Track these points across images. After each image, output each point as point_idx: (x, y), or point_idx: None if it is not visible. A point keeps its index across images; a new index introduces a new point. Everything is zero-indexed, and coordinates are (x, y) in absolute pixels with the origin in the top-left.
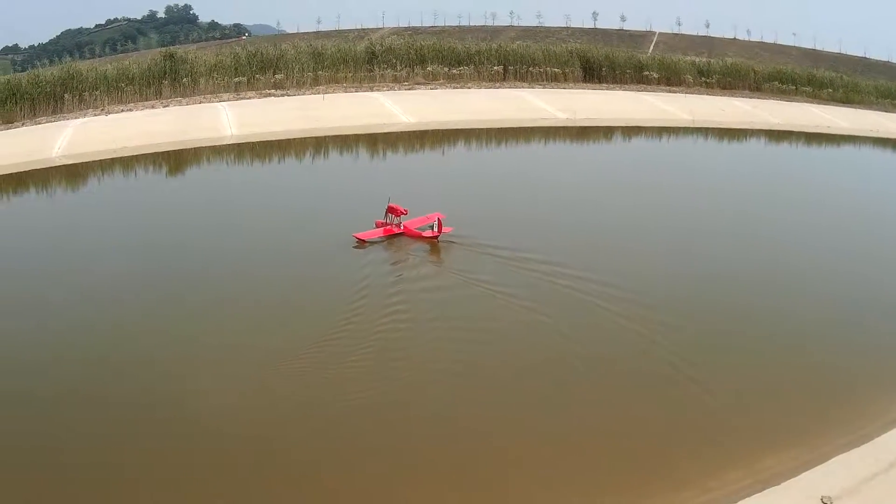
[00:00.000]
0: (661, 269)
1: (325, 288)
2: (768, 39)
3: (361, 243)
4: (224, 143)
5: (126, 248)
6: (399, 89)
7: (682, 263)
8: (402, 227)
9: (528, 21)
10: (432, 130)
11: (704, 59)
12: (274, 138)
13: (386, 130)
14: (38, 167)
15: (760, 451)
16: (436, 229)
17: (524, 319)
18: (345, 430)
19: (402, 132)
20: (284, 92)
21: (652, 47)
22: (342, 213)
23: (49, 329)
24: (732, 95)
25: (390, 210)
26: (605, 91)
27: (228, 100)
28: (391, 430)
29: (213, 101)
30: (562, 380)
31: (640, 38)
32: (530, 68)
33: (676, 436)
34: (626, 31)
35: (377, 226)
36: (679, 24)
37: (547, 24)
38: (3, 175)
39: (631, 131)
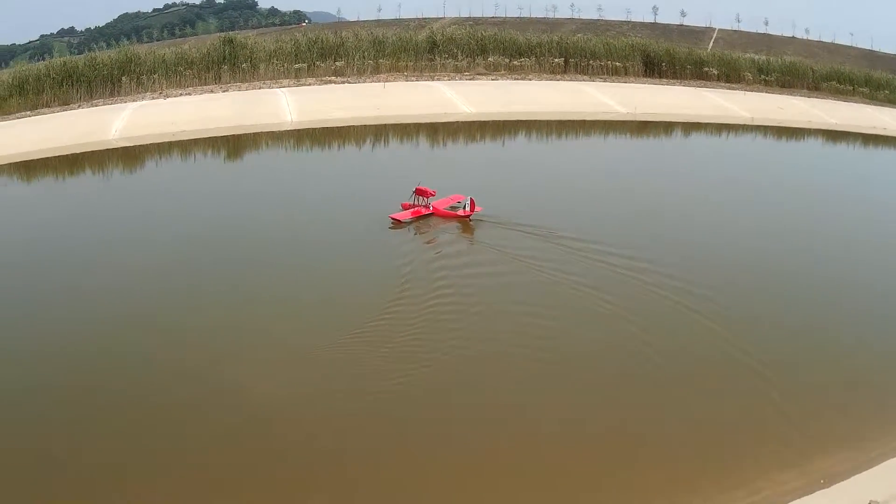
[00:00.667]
0: (732, 265)
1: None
2: (826, 39)
3: (397, 223)
4: (284, 128)
5: (180, 232)
6: (460, 79)
7: (755, 261)
8: (430, 208)
9: (589, 14)
10: (493, 121)
11: (763, 57)
12: (334, 125)
13: (446, 120)
14: (96, 149)
15: (812, 452)
16: (468, 209)
17: (591, 308)
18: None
19: (462, 122)
20: (345, 79)
21: (711, 43)
22: (400, 198)
23: (97, 318)
24: (791, 94)
25: (418, 192)
26: (665, 86)
27: (288, 86)
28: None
29: (272, 87)
30: (626, 372)
31: (699, 33)
32: (591, 61)
33: (731, 435)
34: (686, 26)
35: (403, 208)
36: (738, 21)
37: (607, 18)
38: (60, 156)
39: (690, 127)
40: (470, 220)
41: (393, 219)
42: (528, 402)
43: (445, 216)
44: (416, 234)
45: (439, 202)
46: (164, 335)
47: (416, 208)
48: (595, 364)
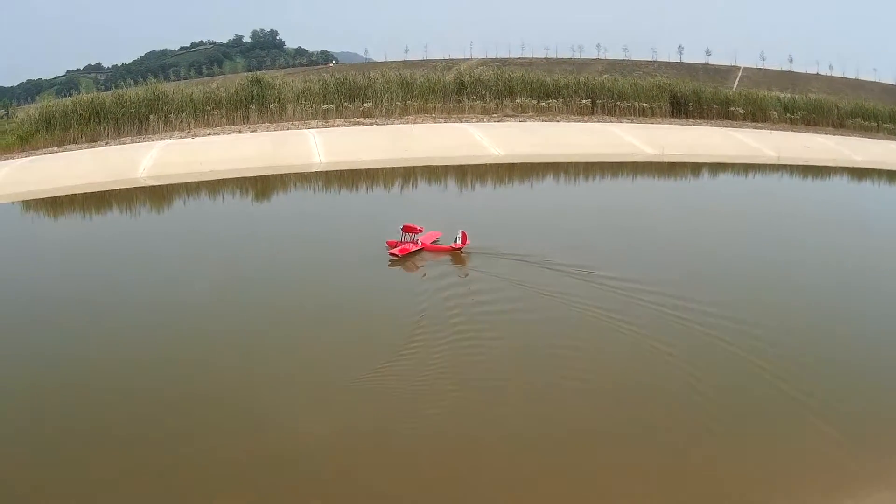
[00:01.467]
0: (774, 302)
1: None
2: (850, 75)
3: (396, 258)
4: (313, 170)
5: (209, 271)
6: (488, 121)
7: (802, 299)
8: (419, 244)
9: (615, 54)
10: (521, 163)
11: (788, 95)
12: (363, 167)
13: (476, 162)
14: (124, 186)
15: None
16: (458, 242)
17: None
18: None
19: (491, 164)
20: (373, 121)
21: (737, 82)
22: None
23: (130, 355)
24: (816, 132)
25: (406, 230)
26: (693, 126)
27: (317, 127)
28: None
29: (301, 128)
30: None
31: (725, 72)
32: (618, 102)
33: (773, 468)
34: (712, 65)
35: (389, 245)
36: (763, 59)
37: (633, 58)
38: (89, 193)
39: (718, 168)
40: (462, 252)
41: (392, 254)
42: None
43: (437, 250)
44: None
45: (424, 237)
46: (186, 374)
47: (403, 245)
48: (642, 402)
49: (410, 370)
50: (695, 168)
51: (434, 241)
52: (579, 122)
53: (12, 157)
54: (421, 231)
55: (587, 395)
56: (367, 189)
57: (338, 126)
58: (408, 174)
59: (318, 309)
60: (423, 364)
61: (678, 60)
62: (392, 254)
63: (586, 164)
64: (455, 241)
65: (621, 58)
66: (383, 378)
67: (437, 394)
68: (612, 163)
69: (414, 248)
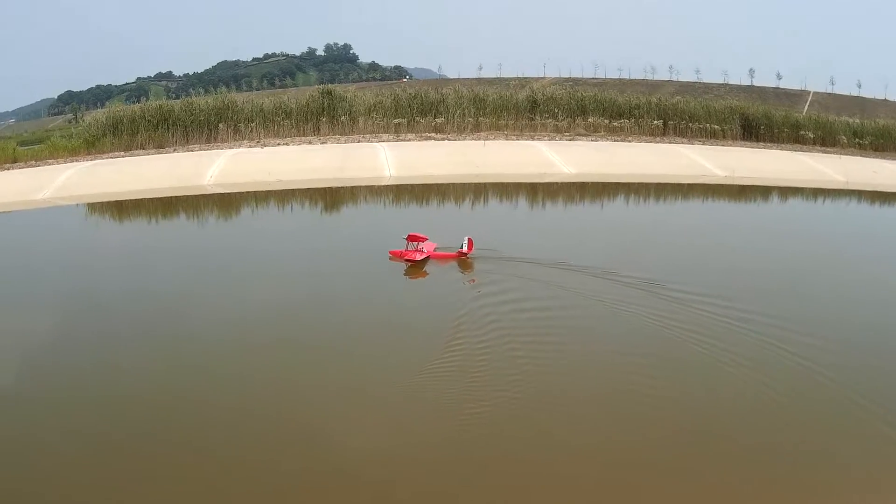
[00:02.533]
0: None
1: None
2: None
3: (412, 262)
4: (382, 183)
5: (270, 282)
6: (560, 139)
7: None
8: (424, 252)
9: (687, 76)
10: (592, 182)
11: (857, 120)
12: (433, 181)
13: (546, 180)
14: (190, 193)
15: None
16: (465, 248)
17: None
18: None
19: (562, 183)
20: (444, 136)
21: (807, 106)
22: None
23: (176, 362)
24: (884, 157)
25: (411, 238)
26: (763, 149)
27: (387, 140)
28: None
29: (371, 141)
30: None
31: (795, 96)
32: (690, 124)
33: None
34: (782, 89)
35: (392, 254)
36: (833, 84)
37: (705, 80)
38: (155, 199)
39: (787, 192)
40: (468, 258)
41: (407, 259)
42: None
43: (444, 257)
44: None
45: (425, 246)
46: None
47: (408, 252)
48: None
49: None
50: (764, 191)
51: (461, 245)
52: (650, 142)
53: (78, 160)
54: (426, 240)
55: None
56: (436, 204)
57: (409, 140)
58: (478, 190)
59: (388, 318)
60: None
61: (749, 84)
62: (408, 259)
63: (656, 184)
64: (462, 247)
65: (693, 80)
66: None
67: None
68: (683, 184)
69: (420, 256)
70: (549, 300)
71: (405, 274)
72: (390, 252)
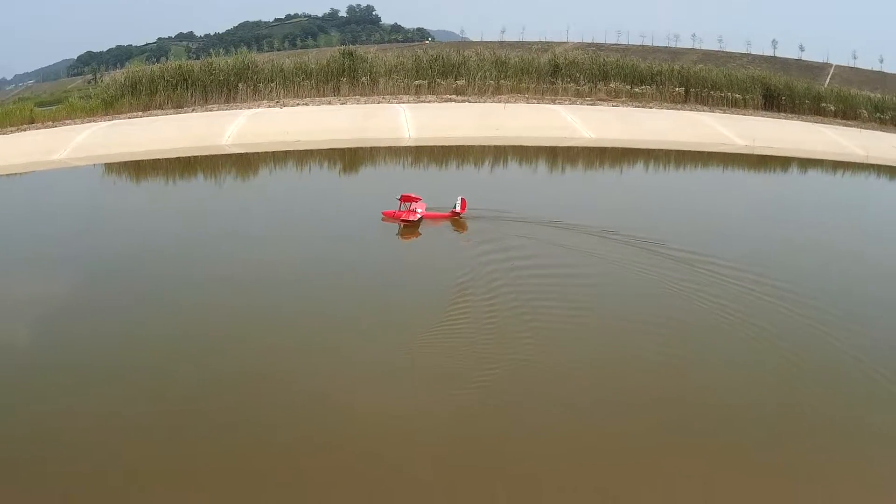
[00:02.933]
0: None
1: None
2: None
3: (408, 223)
4: (402, 144)
5: (286, 244)
6: (581, 104)
7: None
8: (418, 213)
9: (710, 45)
10: (612, 147)
11: (879, 95)
12: (452, 143)
13: (566, 144)
14: (208, 153)
15: None
16: (458, 208)
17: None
18: None
19: (582, 147)
20: (465, 98)
21: (828, 80)
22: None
23: (191, 328)
24: None
25: (404, 199)
26: (783, 120)
27: (408, 102)
28: None
29: (391, 102)
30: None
31: (817, 69)
32: (711, 92)
33: None
34: (804, 61)
35: (384, 215)
36: (855, 58)
37: (728, 49)
38: (172, 158)
39: (807, 163)
40: (461, 218)
41: (404, 221)
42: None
43: (437, 217)
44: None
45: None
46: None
47: (402, 213)
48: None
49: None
50: (784, 162)
51: (455, 205)
52: (672, 109)
53: (95, 121)
54: (419, 200)
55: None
56: (455, 166)
57: (429, 102)
58: (498, 153)
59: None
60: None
61: (772, 54)
62: (404, 220)
63: (676, 151)
64: (455, 207)
65: (716, 49)
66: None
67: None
68: (701, 152)
69: (415, 217)
70: (554, 257)
71: (399, 234)
72: (383, 213)
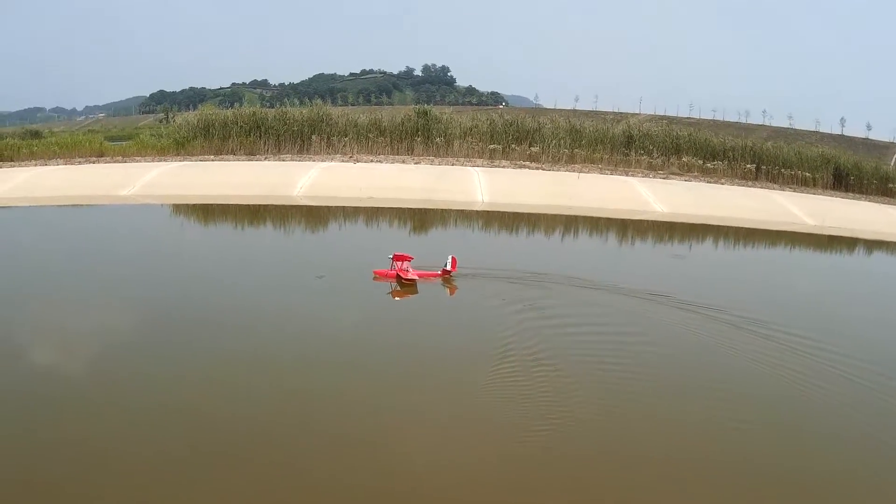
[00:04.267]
0: None
1: None
2: None
3: (402, 280)
4: (474, 208)
5: (346, 300)
6: (654, 177)
7: None
8: (410, 271)
9: (780, 122)
10: (681, 223)
11: None
12: (525, 210)
13: (638, 217)
14: (279, 203)
15: None
16: (448, 267)
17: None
18: None
19: (653, 221)
20: (539, 165)
21: (894, 159)
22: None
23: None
24: None
25: (397, 258)
26: (852, 200)
27: (482, 165)
28: None
29: (465, 165)
30: None
31: (883, 148)
32: (782, 170)
33: None
34: (871, 140)
35: (376, 275)
36: None
37: (797, 127)
38: (242, 205)
39: (880, 245)
40: (451, 277)
41: (406, 279)
42: None
43: (427, 276)
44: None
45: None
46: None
47: (393, 271)
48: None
49: None
50: (851, 243)
51: (445, 264)
52: (743, 186)
53: (166, 160)
54: (412, 259)
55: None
56: (527, 233)
57: (503, 167)
58: (569, 222)
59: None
60: None
61: (840, 133)
62: (404, 278)
63: (747, 229)
64: (446, 265)
65: (785, 126)
66: None
67: None
68: (773, 231)
69: (406, 276)
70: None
71: (390, 294)
72: (375, 272)
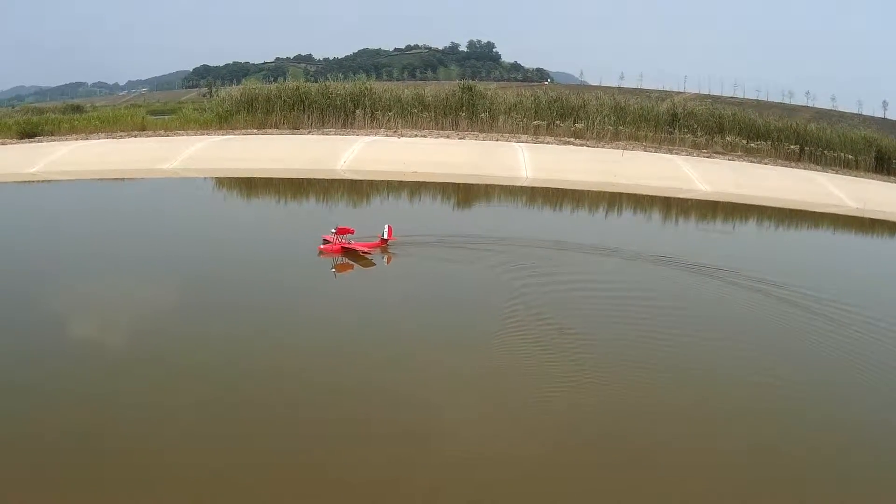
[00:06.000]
0: None
1: None
2: None
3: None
4: (518, 184)
5: (386, 279)
6: (697, 155)
7: None
8: (350, 243)
9: (823, 103)
10: (724, 202)
11: None
12: (569, 187)
13: (681, 196)
14: (322, 176)
15: None
16: (385, 236)
17: None
18: None
19: (696, 199)
20: (583, 142)
21: None
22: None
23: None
24: None
25: (340, 231)
26: (894, 184)
27: (526, 141)
28: None
29: (510, 141)
30: None
31: None
32: (825, 151)
33: None
34: None
35: (321, 251)
36: None
37: (840, 109)
38: (285, 179)
39: None
40: (387, 246)
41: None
42: None
43: (368, 246)
44: None
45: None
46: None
47: (336, 244)
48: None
49: None
50: (893, 227)
51: (382, 233)
52: (785, 167)
53: (209, 134)
54: (353, 232)
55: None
56: (570, 210)
57: (547, 143)
58: (613, 199)
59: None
60: None
61: (882, 116)
62: (347, 249)
63: (789, 210)
64: (382, 234)
65: (828, 107)
66: None
67: None
68: (812, 212)
69: (346, 246)
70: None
71: (333, 270)
72: (320, 248)
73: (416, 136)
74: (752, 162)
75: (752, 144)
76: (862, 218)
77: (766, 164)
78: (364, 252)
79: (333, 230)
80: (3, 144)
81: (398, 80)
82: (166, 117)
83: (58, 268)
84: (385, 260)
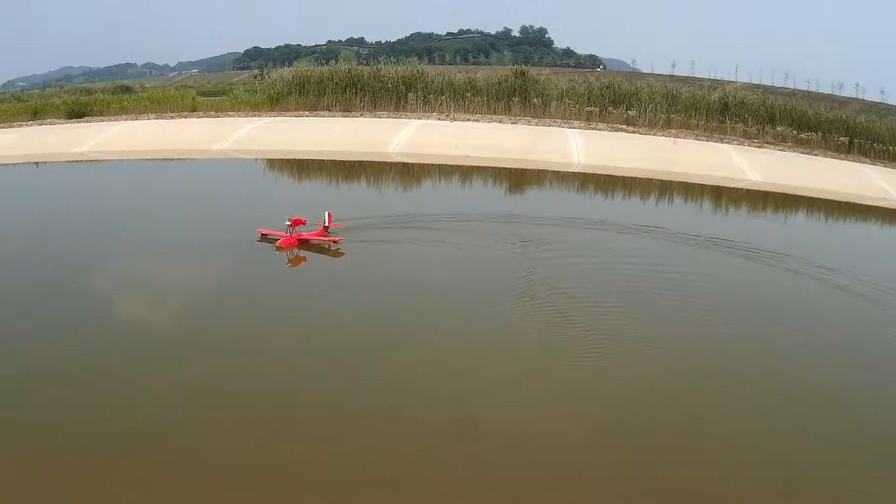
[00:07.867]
0: None
1: None
2: None
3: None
4: (570, 170)
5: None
6: (748, 145)
7: None
8: (301, 235)
9: (872, 96)
10: (776, 193)
11: None
12: (620, 174)
13: (731, 185)
14: (374, 159)
15: None
16: (326, 223)
17: None
18: None
19: (746, 189)
20: (635, 129)
21: None
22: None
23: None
24: None
25: (295, 223)
26: None
27: (578, 127)
28: None
29: (562, 126)
30: None
31: None
32: (874, 144)
33: None
34: None
35: (280, 246)
36: None
37: (889, 102)
38: (337, 161)
39: None
40: (329, 233)
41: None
42: None
43: (314, 236)
44: None
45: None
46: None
47: (292, 237)
48: None
49: None
50: None
51: (325, 222)
52: (836, 159)
53: (259, 115)
54: (304, 223)
55: None
56: (622, 198)
57: (599, 130)
58: (664, 188)
59: None
60: None
61: None
62: (299, 238)
63: (839, 203)
64: (324, 223)
65: (878, 100)
66: None
67: None
68: (862, 205)
69: (299, 237)
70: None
71: (288, 264)
72: (278, 243)
73: (468, 120)
74: (801, 152)
75: (803, 135)
76: None
77: (815, 155)
78: (319, 242)
79: (288, 222)
80: (51, 124)
81: (450, 64)
82: (217, 98)
83: (116, 249)
84: (327, 246)
